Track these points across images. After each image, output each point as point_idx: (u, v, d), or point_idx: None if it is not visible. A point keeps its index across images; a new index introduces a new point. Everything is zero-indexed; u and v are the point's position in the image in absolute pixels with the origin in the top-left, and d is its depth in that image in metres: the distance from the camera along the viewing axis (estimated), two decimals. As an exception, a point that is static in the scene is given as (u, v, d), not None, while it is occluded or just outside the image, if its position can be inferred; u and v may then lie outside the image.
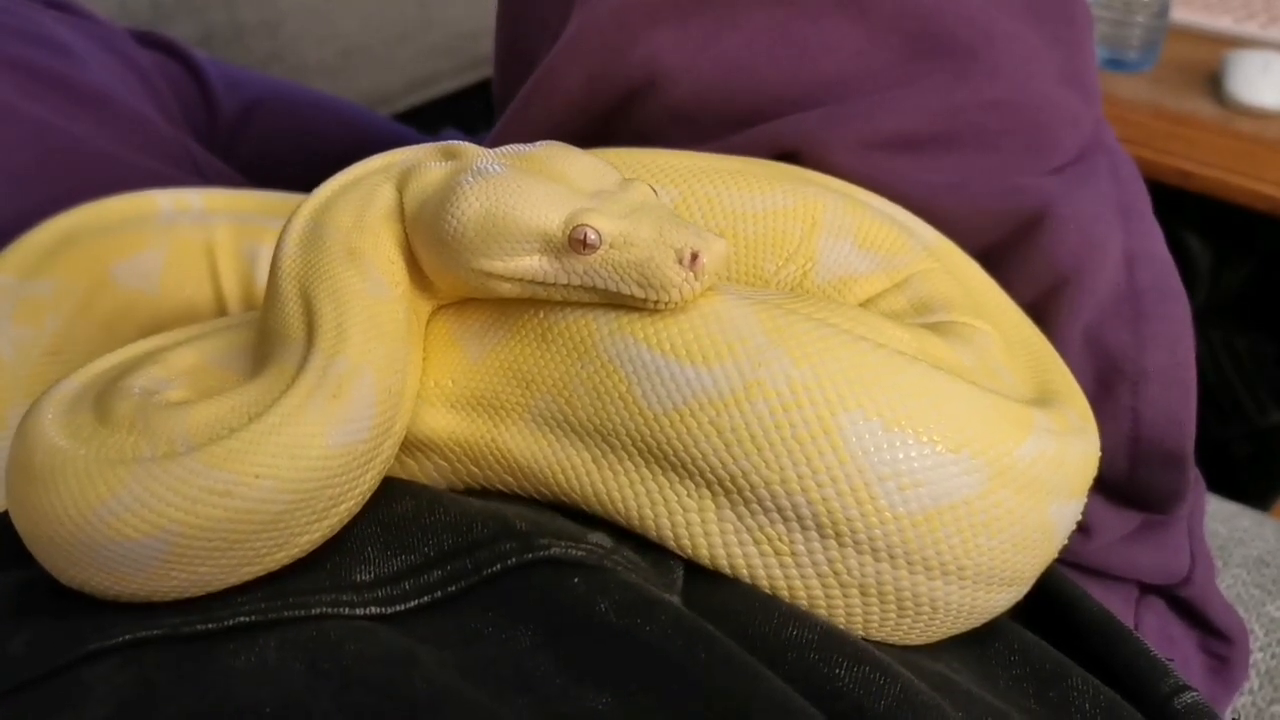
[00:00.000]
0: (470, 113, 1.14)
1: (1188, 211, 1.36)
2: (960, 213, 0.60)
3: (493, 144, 0.72)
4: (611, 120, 0.69)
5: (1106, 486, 0.60)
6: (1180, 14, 1.50)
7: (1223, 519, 0.91)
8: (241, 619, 0.42)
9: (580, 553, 0.44)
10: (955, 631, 0.48)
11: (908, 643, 0.47)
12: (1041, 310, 0.60)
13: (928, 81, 0.63)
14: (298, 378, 0.44)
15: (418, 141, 0.98)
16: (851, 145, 0.61)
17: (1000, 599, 0.47)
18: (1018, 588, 0.48)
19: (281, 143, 0.94)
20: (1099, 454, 0.49)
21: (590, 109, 0.69)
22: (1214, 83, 1.38)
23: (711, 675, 0.40)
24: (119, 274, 0.65)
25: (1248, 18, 1.50)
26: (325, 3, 1.36)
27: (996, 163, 0.63)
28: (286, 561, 0.44)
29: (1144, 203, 0.66)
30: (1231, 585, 0.85)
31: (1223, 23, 1.50)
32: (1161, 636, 0.66)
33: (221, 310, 0.68)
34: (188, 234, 0.68)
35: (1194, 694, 0.48)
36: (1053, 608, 0.53)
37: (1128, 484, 0.60)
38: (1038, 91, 0.64)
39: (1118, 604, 0.65)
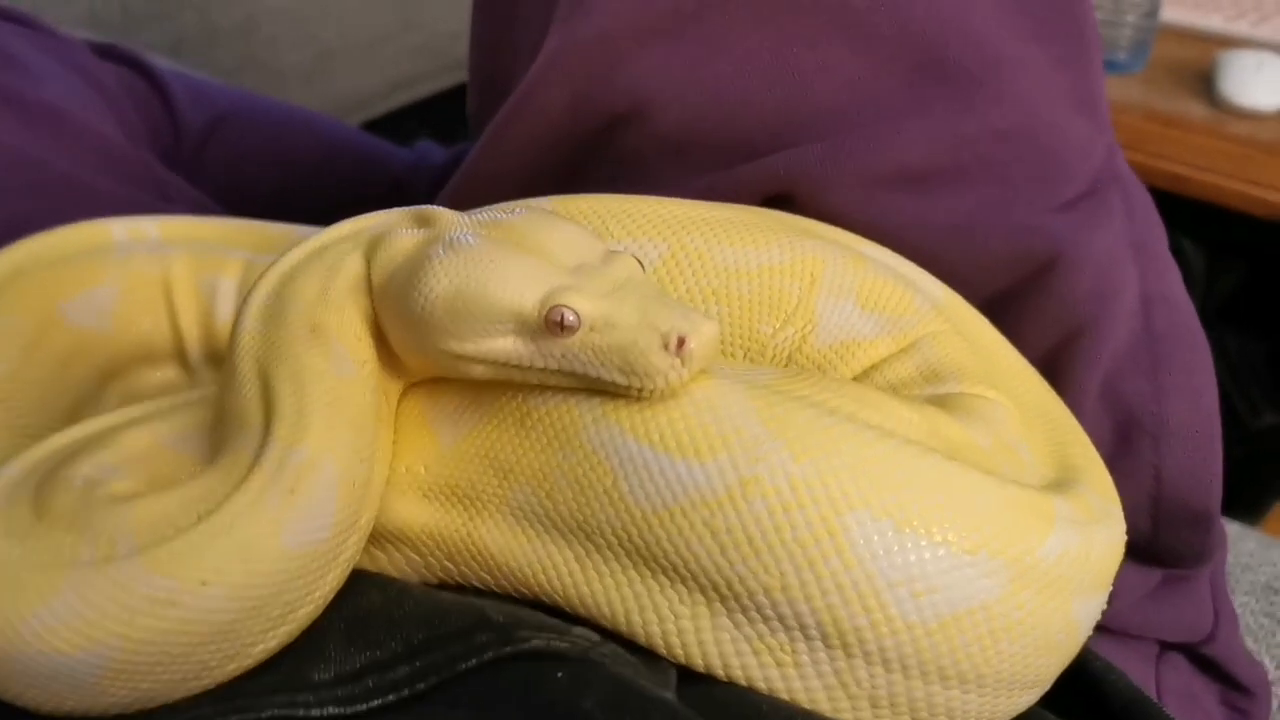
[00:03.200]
0: (450, 116, 1.10)
1: (1180, 214, 1.33)
2: (966, 259, 0.56)
3: (475, 164, 0.70)
4: (597, 147, 0.65)
5: (1127, 547, 0.57)
6: (1170, 13, 1.46)
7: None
8: None
9: (564, 644, 0.41)
10: (973, 734, 0.44)
11: (921, 747, 0.43)
12: (1055, 363, 0.56)
13: (933, 111, 0.59)
14: (252, 470, 0.40)
15: (392, 154, 0.95)
16: (851, 183, 0.57)
17: (1022, 701, 0.44)
18: (1040, 689, 0.44)
19: (250, 158, 0.90)
20: (1125, 538, 0.46)
21: (574, 134, 0.65)
22: (1205, 83, 1.35)
23: None
24: (69, 311, 0.61)
25: (1238, 16, 1.47)
26: (301, 6, 1.31)
27: (1004, 198, 0.59)
28: (238, 673, 0.40)
29: (1159, 238, 0.62)
30: (1239, 615, 0.82)
31: (1213, 22, 1.46)
32: (1184, 696, 0.63)
33: (179, 349, 0.63)
34: (143, 266, 0.63)
35: None
36: (1076, 684, 0.50)
37: (1150, 544, 0.56)
38: (1048, 119, 0.60)
39: (1137, 663, 0.62)
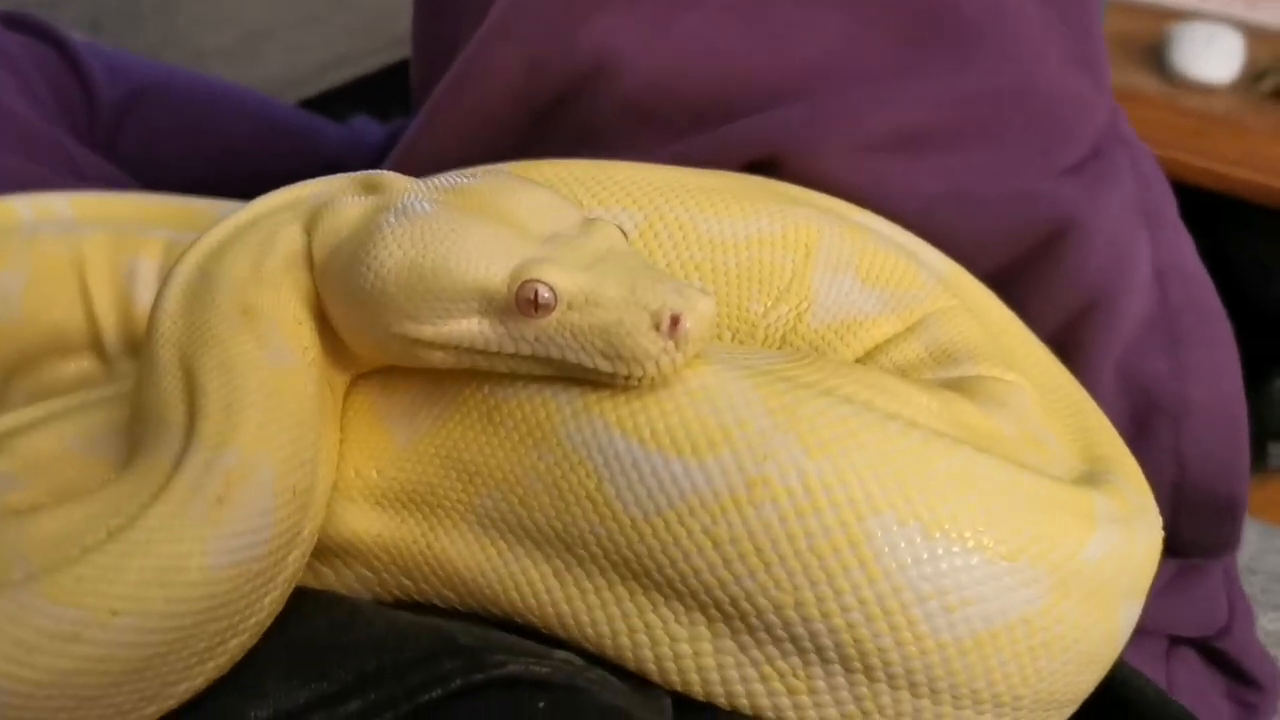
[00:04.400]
0: (388, 95, 1.04)
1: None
2: (966, 230, 0.52)
3: (414, 141, 0.64)
4: (554, 115, 0.60)
5: None
6: (1121, -14, 1.46)
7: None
8: None
9: (544, 669, 0.36)
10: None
11: (944, 774, 0.39)
12: (1066, 343, 0.52)
13: (928, 68, 0.54)
14: (173, 477, 0.35)
15: (327, 131, 0.89)
16: (840, 146, 0.53)
17: (1056, 719, 0.39)
18: (1075, 706, 0.39)
19: (171, 136, 0.84)
20: (1162, 533, 0.41)
21: (531, 99, 0.60)
22: (1157, 57, 1.35)
23: None
24: (-33, 298, 0.56)
25: (1189, -12, 1.46)
26: (226, -16, 1.25)
27: (1004, 162, 0.55)
28: (159, 715, 0.35)
29: (1170, 205, 0.58)
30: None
31: (1164, -6, 1.46)
32: (1194, 691, 0.59)
33: (95, 338, 0.58)
34: (53, 248, 0.58)
35: None
36: (1099, 691, 0.45)
37: (1170, 535, 0.52)
38: (1049, 78, 0.56)
39: (1147, 659, 0.58)
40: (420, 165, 0.61)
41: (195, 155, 0.84)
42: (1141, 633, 0.56)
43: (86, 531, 0.34)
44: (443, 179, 0.39)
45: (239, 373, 0.37)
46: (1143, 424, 0.52)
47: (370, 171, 0.41)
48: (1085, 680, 0.38)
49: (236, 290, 0.39)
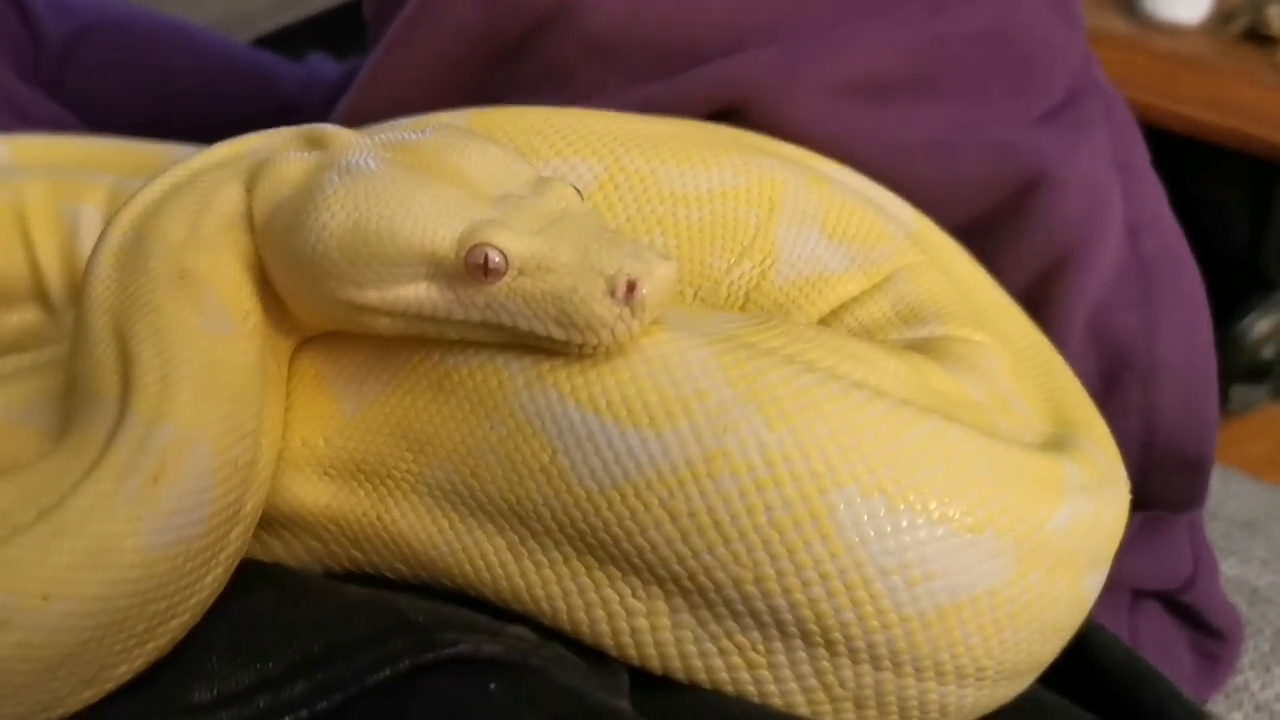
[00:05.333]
0: (345, 32, 1.01)
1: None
2: (938, 180, 0.50)
3: (368, 81, 0.61)
4: (514, 57, 0.58)
5: None
6: (1086, -77, 1.42)
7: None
8: None
9: (497, 648, 0.34)
10: (963, 724, 0.39)
11: (906, 743, 0.38)
12: (1036, 297, 0.50)
13: (900, 10, 0.52)
14: (105, 453, 0.33)
15: (281, 70, 0.86)
16: (809, 92, 0.51)
17: (1021, 686, 0.39)
18: (1039, 673, 0.39)
19: (118, 74, 0.81)
20: (1129, 498, 0.40)
21: (490, 41, 0.58)
22: None
23: None
24: (-93, 248, 0.53)
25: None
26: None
27: (978, 109, 0.53)
28: (96, 700, 0.34)
29: (1142, 155, 0.56)
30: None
31: (1132, -68, 1.42)
32: (1158, 644, 0.59)
33: (39, 288, 0.56)
34: None
35: None
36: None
37: (1136, 490, 0.52)
38: (1023, 20, 0.54)
39: (1111, 613, 0.57)
40: (379, 102, 0.59)
41: (142, 94, 0.81)
42: (1105, 587, 0.56)
43: (15, 510, 0.32)
44: (390, 134, 0.37)
45: (175, 342, 0.35)
46: (1112, 379, 0.51)
47: (314, 125, 0.39)
48: (1049, 649, 0.38)
49: (172, 253, 0.37)
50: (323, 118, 0.50)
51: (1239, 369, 1.33)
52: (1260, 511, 0.83)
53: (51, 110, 0.74)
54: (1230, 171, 1.32)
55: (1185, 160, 1.28)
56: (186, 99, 0.80)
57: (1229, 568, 0.76)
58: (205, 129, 0.59)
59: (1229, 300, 1.33)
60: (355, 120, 0.56)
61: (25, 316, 0.55)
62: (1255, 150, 1.22)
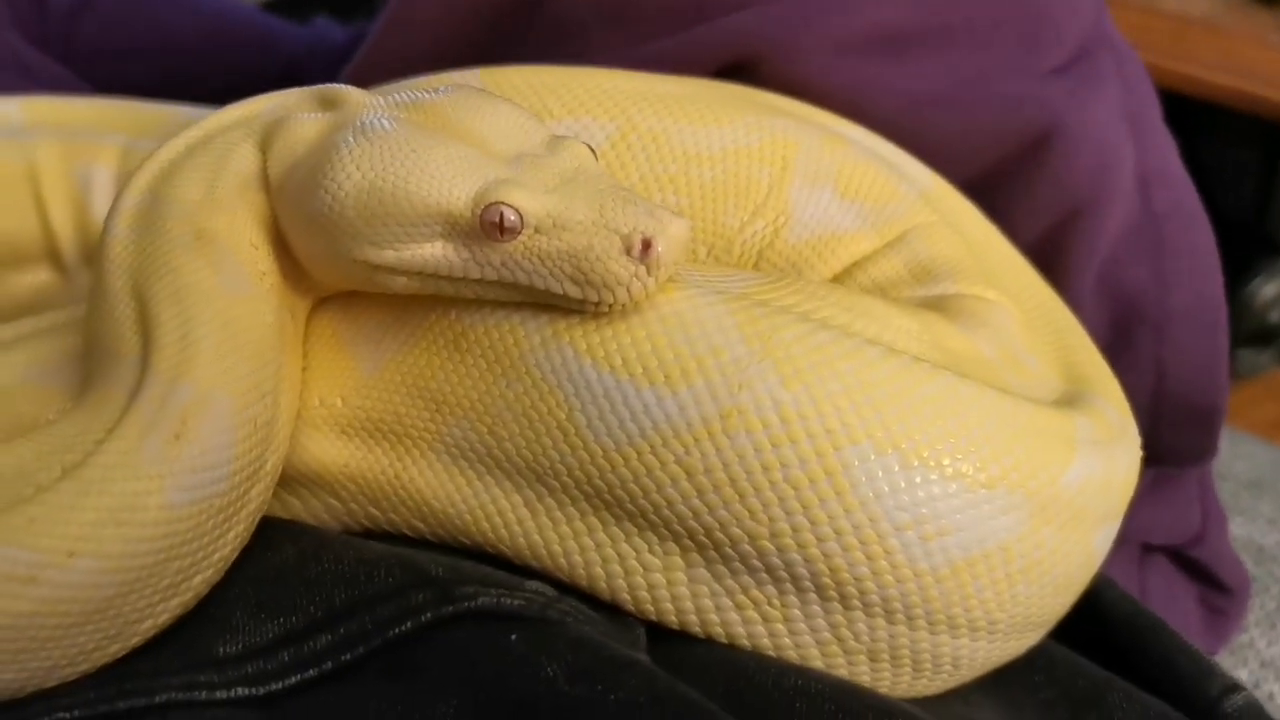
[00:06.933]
0: (348, 2, 1.00)
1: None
2: (951, 135, 0.50)
3: (379, 41, 0.61)
4: (523, 14, 0.57)
5: None
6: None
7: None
8: (61, 716, 0.32)
9: (517, 601, 0.35)
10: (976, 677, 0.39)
11: (918, 696, 0.38)
12: (1047, 251, 0.51)
13: None
14: (128, 411, 0.33)
15: (286, 34, 0.85)
16: (820, 47, 0.51)
17: (1031, 640, 0.39)
18: (1050, 626, 0.39)
19: (126, 38, 0.81)
20: (1141, 453, 0.41)
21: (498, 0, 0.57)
22: None
23: None
24: (-80, 209, 0.53)
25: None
26: None
27: (991, 62, 0.53)
28: (123, 654, 0.34)
29: (1154, 109, 0.56)
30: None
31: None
32: (1166, 598, 0.59)
33: (52, 249, 0.56)
34: (4, 155, 0.56)
35: (1244, 694, 0.41)
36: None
37: (1148, 444, 0.52)
38: None
39: (1120, 566, 0.58)
40: (388, 62, 0.59)
41: (151, 59, 0.81)
42: (1115, 541, 0.56)
43: (39, 470, 0.32)
44: (403, 94, 0.37)
45: (194, 302, 0.35)
46: (1123, 332, 0.52)
47: (328, 85, 0.39)
48: (1061, 603, 0.38)
49: (189, 214, 0.37)
50: (328, 80, 0.51)
51: (1245, 333, 1.33)
52: (1267, 472, 0.84)
53: (57, 72, 0.73)
54: (1239, 133, 1.31)
55: (1193, 122, 1.27)
56: (192, 60, 0.80)
57: (1236, 527, 0.77)
58: (210, 92, 0.59)
59: (1236, 264, 1.33)
60: (366, 80, 0.56)
61: (38, 277, 0.56)
62: (1264, 112, 1.21)
